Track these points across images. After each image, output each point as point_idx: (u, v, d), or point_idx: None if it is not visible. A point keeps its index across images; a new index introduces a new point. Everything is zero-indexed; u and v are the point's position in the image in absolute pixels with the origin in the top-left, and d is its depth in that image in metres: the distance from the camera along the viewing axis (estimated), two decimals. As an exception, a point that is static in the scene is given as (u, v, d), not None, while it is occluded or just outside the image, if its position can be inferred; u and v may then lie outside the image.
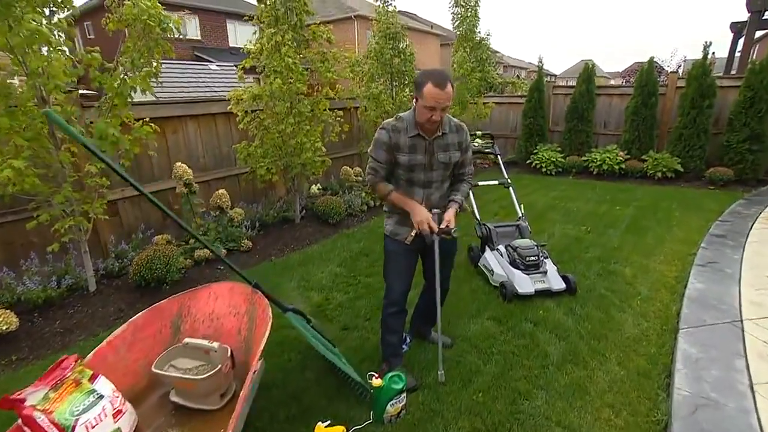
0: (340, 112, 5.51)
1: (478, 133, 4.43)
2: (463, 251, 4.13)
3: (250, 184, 5.48)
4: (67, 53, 3.16)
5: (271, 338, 2.79)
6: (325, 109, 5.23)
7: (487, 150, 4.40)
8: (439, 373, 2.18)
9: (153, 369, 1.68)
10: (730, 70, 12.54)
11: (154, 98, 4.18)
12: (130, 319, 1.90)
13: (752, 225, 4.63)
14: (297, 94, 4.69)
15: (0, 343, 2.93)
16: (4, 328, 2.93)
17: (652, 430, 1.96)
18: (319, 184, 6.39)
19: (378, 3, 6.71)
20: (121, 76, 3.33)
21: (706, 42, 6.94)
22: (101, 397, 1.46)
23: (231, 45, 19.86)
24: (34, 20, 2.66)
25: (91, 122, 3.44)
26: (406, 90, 6.60)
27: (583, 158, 7.79)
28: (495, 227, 3.80)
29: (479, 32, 8.07)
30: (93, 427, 1.39)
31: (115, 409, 1.49)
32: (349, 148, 7.09)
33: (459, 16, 7.91)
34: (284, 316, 2.20)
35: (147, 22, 3.23)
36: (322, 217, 5.40)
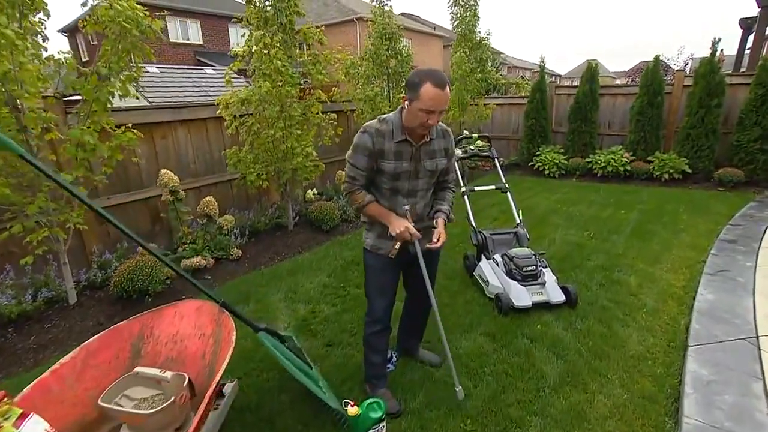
0: (334, 115, 5.36)
1: (475, 135, 4.25)
2: (458, 260, 3.95)
3: (242, 190, 5.34)
4: (43, 57, 3.05)
5: (251, 356, 2.66)
6: (317, 113, 5.08)
7: (484, 153, 4.22)
8: (456, 390, 1.96)
9: (99, 402, 1.51)
10: (740, 68, 12.22)
11: (147, 103, 4.07)
12: (83, 344, 1.75)
13: (765, 229, 4.39)
14: (287, 97, 4.54)
15: (-31, 359, 2.80)
16: (-26, 344, 2.80)
17: (659, 464, 1.77)
18: (315, 189, 6.24)
19: (374, 3, 6.57)
20: (99, 81, 3.20)
21: (714, 38, 6.71)
22: (28, 440, 1.29)
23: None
24: (-2, 23, 2.53)
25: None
26: (403, 92, 6.43)
27: (587, 160, 7.56)
28: (491, 234, 3.61)
29: (479, 32, 7.88)
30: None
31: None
32: (345, 152, 6.89)
33: (458, 15, 7.72)
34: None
35: (123, 24, 3.10)
36: (316, 223, 5.24)
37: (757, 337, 2.48)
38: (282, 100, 4.55)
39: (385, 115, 1.93)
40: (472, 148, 4.19)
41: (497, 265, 3.30)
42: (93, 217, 4.12)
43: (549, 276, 3.17)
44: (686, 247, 4.12)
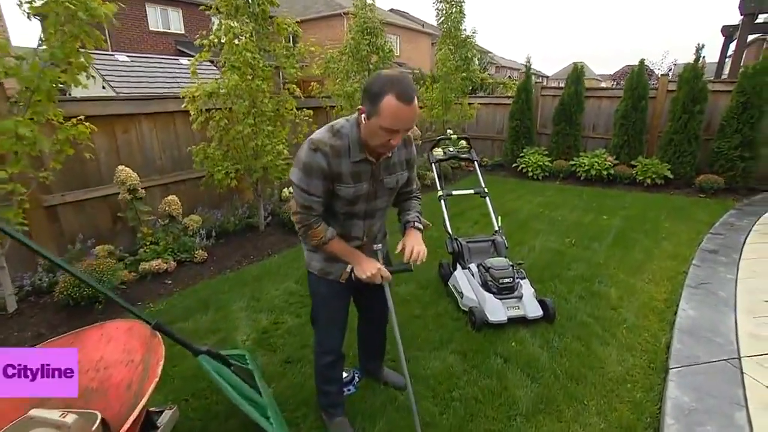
0: (310, 112, 5.10)
1: (454, 136, 4.05)
2: (434, 267, 3.76)
3: (211, 188, 5.06)
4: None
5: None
6: (292, 109, 4.82)
7: (463, 156, 4.03)
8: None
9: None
10: (721, 75, 12.34)
11: (114, 93, 3.77)
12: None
13: (745, 239, 4.32)
14: (258, 91, 4.27)
15: None
16: None
17: (636, 507, 1.61)
18: (290, 188, 5.97)
19: (357, -4, 6.32)
20: (40, 68, 2.89)
21: (698, 44, 6.66)
22: None
23: (216, 40, 19.32)
24: None
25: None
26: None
27: (571, 162, 7.47)
28: (467, 242, 3.43)
29: (465, 30, 7.70)
30: None
31: None
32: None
33: (443, 12, 7.53)
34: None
35: (67, 5, 2.80)
36: (289, 224, 4.99)
37: (740, 358, 2.35)
38: (252, 95, 4.28)
39: (338, 124, 1.55)
40: (452, 149, 4.00)
41: (472, 275, 3.12)
42: (44, 214, 3.82)
43: (527, 288, 3.00)
44: (668, 256, 4.01)
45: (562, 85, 7.83)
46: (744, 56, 10.41)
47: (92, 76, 3.56)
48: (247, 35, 4.12)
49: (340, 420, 1.97)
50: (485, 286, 3.00)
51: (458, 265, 3.35)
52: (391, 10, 30.20)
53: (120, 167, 3.88)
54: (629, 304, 3.12)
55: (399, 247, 1.74)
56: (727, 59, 11.96)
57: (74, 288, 3.19)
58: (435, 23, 8.20)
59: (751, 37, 11.16)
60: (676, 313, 2.91)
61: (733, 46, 10.95)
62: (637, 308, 3.06)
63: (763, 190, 6.38)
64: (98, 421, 1.39)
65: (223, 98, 4.23)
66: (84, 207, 4.09)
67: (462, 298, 3.06)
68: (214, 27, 4.27)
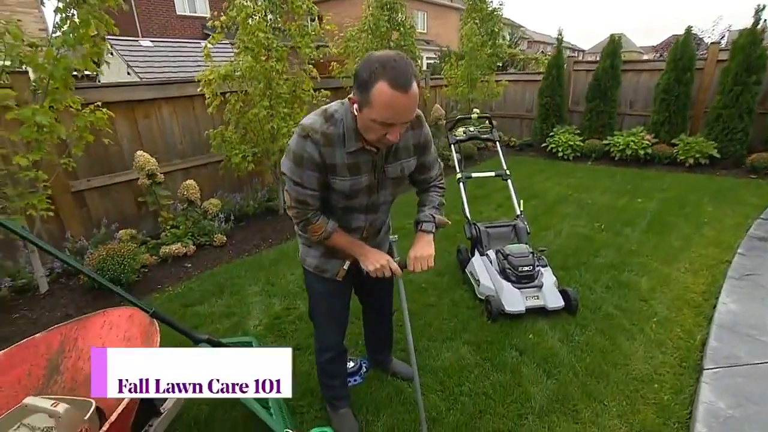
0: (328, 92, 4.98)
1: (475, 115, 3.83)
2: (453, 252, 3.63)
3: (230, 171, 5.09)
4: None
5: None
6: (309, 90, 4.72)
7: (484, 136, 3.81)
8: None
9: (-14, 435, 1.30)
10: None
11: (138, 79, 3.80)
12: (-16, 361, 1.52)
13: (802, 224, 3.91)
14: (272, 72, 4.19)
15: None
16: (-72, 337, 2.67)
17: None
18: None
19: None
20: (55, 54, 2.91)
21: (758, 6, 5.94)
22: None
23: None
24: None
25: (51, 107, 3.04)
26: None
27: (604, 142, 7.00)
28: (486, 228, 3.27)
29: (491, 2, 7.27)
30: None
31: None
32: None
33: (469, -17, 7.13)
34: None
35: (75, -10, 2.78)
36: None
37: (788, 359, 2.11)
38: (267, 76, 4.21)
39: (332, 108, 1.35)
40: (472, 129, 3.78)
41: (490, 262, 2.97)
42: (72, 199, 3.95)
43: (548, 277, 2.82)
44: (709, 243, 3.69)
45: (598, 59, 7.28)
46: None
47: (107, 62, 3.58)
48: (260, 15, 4.01)
49: (344, 412, 1.92)
50: (503, 273, 2.85)
51: (476, 252, 3.20)
52: (419, -15, 29.12)
53: (138, 153, 3.93)
54: (662, 296, 2.88)
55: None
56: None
57: (98, 271, 3.28)
58: (461, -4, 7.77)
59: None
60: (715, 307, 2.66)
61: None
62: (670, 300, 2.83)
63: (825, 170, 5.76)
64: (92, 410, 1.39)
65: (238, 81, 4.18)
66: (109, 192, 4.21)
67: (479, 286, 2.92)
68: (228, 6, 4.19)
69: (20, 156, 2.89)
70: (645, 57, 30.21)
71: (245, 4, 4.01)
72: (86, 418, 1.35)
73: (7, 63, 2.85)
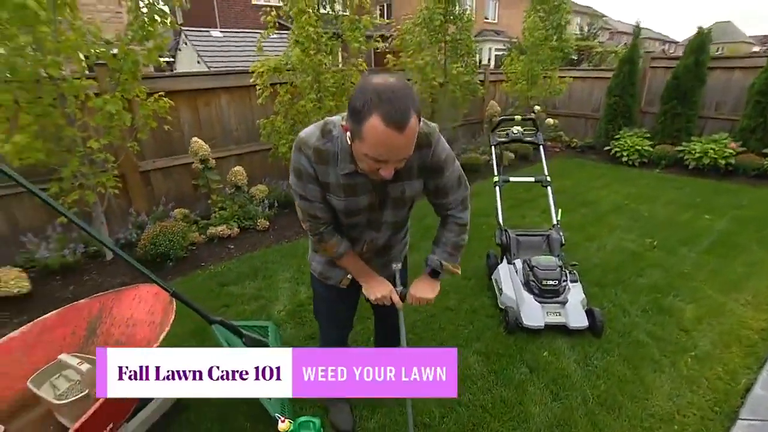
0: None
1: (518, 117, 3.67)
2: (483, 256, 3.54)
3: (278, 159, 5.35)
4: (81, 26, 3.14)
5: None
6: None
7: (528, 139, 3.64)
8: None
9: (28, 384, 1.54)
10: None
11: (206, 68, 4.16)
12: (38, 319, 1.80)
13: None
14: (320, 65, 4.31)
15: (12, 303, 3.16)
16: (15, 290, 3.17)
17: None
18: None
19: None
20: (126, 49, 3.25)
21: None
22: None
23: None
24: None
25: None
26: (459, 62, 5.84)
27: (678, 148, 6.32)
28: (518, 235, 3.15)
29: (560, -8, 6.81)
30: None
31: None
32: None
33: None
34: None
35: (142, -10, 3.07)
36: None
37: None
38: (316, 70, 4.34)
39: (331, 122, 1.26)
40: (515, 132, 3.62)
41: (516, 272, 2.87)
42: (139, 177, 4.42)
43: (575, 294, 2.67)
44: (783, 274, 3.24)
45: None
46: None
47: (171, 56, 3.90)
48: (312, 9, 4.13)
49: (341, 406, 2.00)
50: (527, 285, 2.74)
51: (504, 259, 3.10)
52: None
53: (193, 139, 4.28)
54: (708, 328, 2.60)
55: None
56: None
57: (151, 245, 3.66)
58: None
59: None
60: (771, 349, 2.35)
61: None
62: (717, 334, 2.54)
63: None
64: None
65: (288, 74, 4.36)
66: (171, 173, 4.64)
67: (501, 295, 2.84)
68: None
69: (93, 140, 3.29)
70: (755, 49, 26.43)
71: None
72: (104, 379, 1.55)
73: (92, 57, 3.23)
